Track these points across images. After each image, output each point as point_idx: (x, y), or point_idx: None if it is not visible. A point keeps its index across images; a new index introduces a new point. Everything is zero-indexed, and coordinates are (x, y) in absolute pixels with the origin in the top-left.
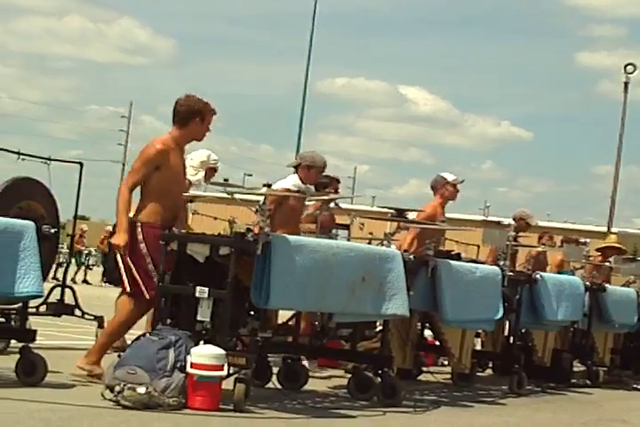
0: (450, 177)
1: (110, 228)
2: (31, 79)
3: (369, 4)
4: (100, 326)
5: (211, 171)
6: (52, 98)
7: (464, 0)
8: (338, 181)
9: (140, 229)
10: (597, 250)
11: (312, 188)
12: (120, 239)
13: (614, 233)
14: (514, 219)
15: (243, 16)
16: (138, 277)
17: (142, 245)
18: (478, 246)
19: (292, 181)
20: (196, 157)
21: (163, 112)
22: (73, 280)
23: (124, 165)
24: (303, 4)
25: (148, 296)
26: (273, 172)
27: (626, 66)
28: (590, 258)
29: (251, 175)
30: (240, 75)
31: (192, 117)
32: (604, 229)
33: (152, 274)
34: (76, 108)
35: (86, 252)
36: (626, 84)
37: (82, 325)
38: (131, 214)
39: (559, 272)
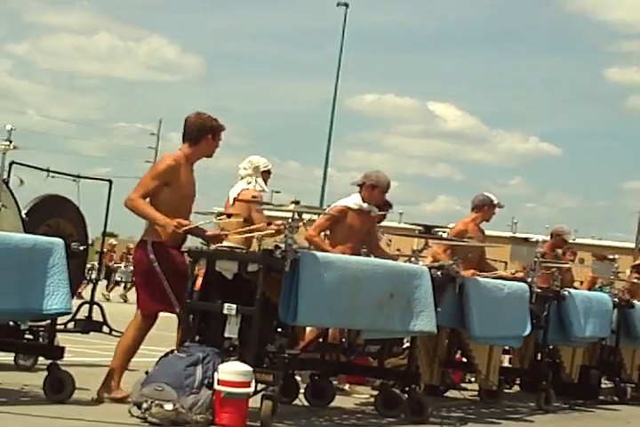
0: (495, 200)
1: (131, 244)
2: (60, 97)
3: (398, 21)
4: None
5: (265, 174)
6: (80, 115)
7: (493, 16)
8: (390, 206)
9: (151, 248)
10: (633, 267)
11: (375, 208)
12: (170, 221)
13: None
14: (551, 235)
15: (271, 33)
16: (150, 294)
17: (156, 264)
18: (506, 263)
19: (353, 200)
20: (247, 166)
21: None
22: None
23: None
24: (332, 20)
25: (159, 312)
26: (300, 188)
27: None
28: (619, 274)
29: (279, 192)
30: (268, 92)
31: (204, 135)
32: (633, 244)
33: (168, 291)
34: (105, 126)
35: (117, 266)
36: None
37: (110, 342)
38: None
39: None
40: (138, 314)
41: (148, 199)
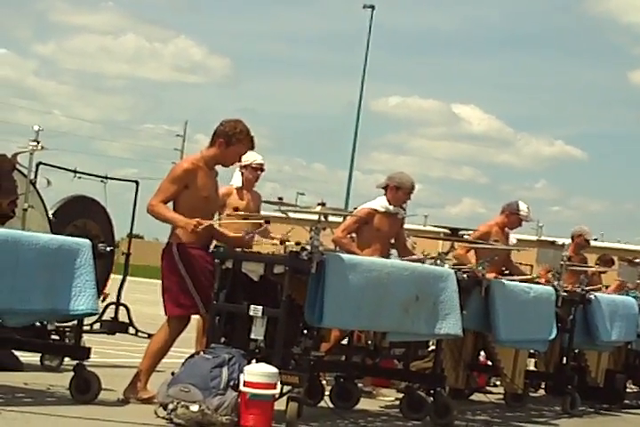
0: (522, 211)
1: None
2: (86, 97)
3: (423, 23)
4: None
5: (244, 168)
6: (106, 116)
7: (518, 19)
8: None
9: (176, 250)
10: None
11: (402, 210)
12: (189, 221)
13: None
14: (572, 236)
15: (298, 35)
16: (176, 297)
17: (180, 266)
18: (532, 266)
19: (379, 202)
20: None
21: None
22: None
23: None
24: (358, 22)
25: (187, 314)
26: (325, 190)
27: None
28: None
29: (303, 194)
30: (295, 94)
31: (217, 138)
32: None
33: (193, 293)
34: (131, 127)
35: None
36: None
37: (136, 343)
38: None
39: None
40: (167, 319)
41: (170, 204)
